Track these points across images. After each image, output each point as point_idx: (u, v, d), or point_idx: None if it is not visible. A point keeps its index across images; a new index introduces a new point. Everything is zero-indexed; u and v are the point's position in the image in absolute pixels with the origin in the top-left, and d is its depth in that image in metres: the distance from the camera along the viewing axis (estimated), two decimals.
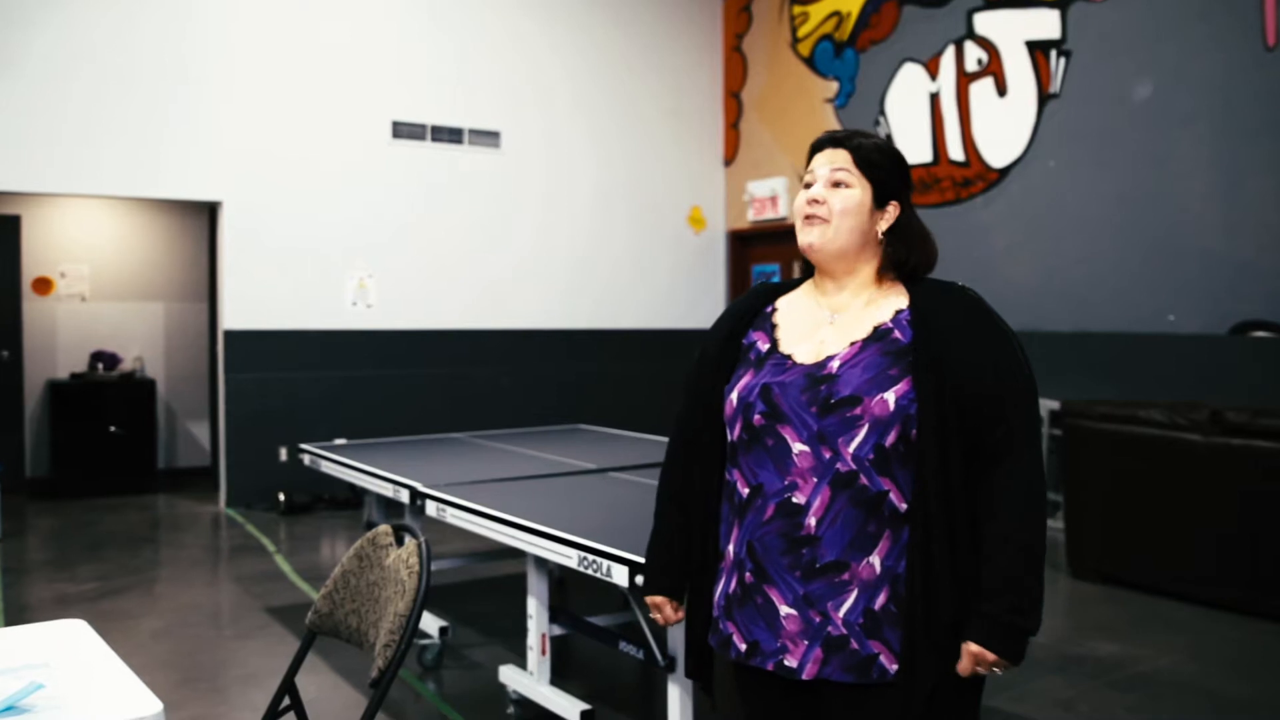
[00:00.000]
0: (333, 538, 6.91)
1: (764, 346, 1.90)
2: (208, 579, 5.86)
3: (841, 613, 1.74)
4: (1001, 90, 7.31)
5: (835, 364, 1.79)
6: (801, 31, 8.90)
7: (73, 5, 7.19)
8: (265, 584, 5.65)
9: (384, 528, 2.32)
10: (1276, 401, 5.52)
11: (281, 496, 7.60)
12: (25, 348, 8.58)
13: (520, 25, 8.77)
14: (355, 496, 7.65)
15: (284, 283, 7.86)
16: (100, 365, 8.69)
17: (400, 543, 2.27)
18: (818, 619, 1.74)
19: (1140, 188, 6.52)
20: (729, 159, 9.73)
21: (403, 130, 8.28)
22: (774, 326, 1.92)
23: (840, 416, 1.74)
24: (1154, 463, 5.32)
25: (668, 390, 8.56)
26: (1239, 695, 4.04)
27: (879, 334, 1.81)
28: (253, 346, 7.77)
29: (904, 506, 1.75)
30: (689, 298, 9.55)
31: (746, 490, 1.82)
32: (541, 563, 3.56)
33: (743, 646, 1.81)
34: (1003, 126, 7.31)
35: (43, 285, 8.74)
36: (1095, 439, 5.59)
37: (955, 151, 7.64)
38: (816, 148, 1.92)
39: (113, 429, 8.39)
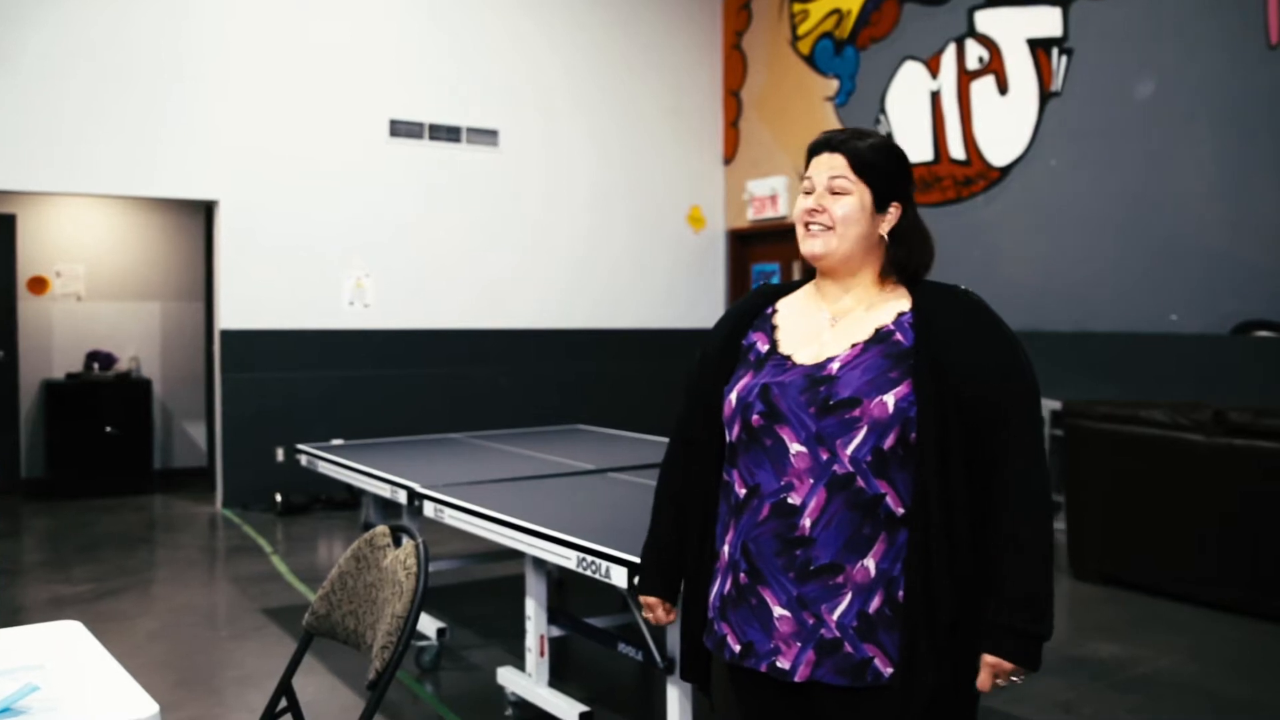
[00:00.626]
0: (330, 539, 6.89)
1: (764, 347, 1.89)
2: (204, 580, 5.84)
3: (835, 615, 1.73)
4: (1003, 88, 7.29)
5: (835, 365, 1.78)
6: (801, 29, 8.88)
7: (69, 3, 7.16)
8: (262, 585, 5.63)
9: (381, 528, 2.31)
10: (1279, 402, 5.50)
11: (278, 497, 7.58)
12: (20, 347, 8.55)
13: (519, 23, 8.75)
14: (352, 497, 7.63)
15: (281, 282, 7.84)
16: (96, 365, 8.66)
17: (398, 544, 2.27)
18: (811, 621, 1.74)
19: (1142, 186, 6.50)
20: (728, 158, 9.70)
21: (400, 129, 8.26)
22: (774, 328, 1.91)
23: (839, 418, 1.73)
24: (1155, 463, 5.31)
25: (667, 390, 8.53)
26: (1240, 696, 4.03)
27: (880, 336, 1.80)
28: (249, 346, 7.75)
29: (900, 510, 1.74)
30: (688, 297, 9.53)
31: (744, 491, 1.81)
32: (540, 564, 3.55)
33: (737, 648, 1.81)
34: (1004, 125, 7.30)
35: (38, 285, 8.72)
36: (1096, 439, 5.57)
37: (956, 150, 7.62)
38: (813, 151, 1.91)
39: (108, 429, 8.36)
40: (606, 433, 5.96)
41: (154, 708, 1.70)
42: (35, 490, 8.34)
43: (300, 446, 5.39)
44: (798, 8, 8.91)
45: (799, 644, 1.74)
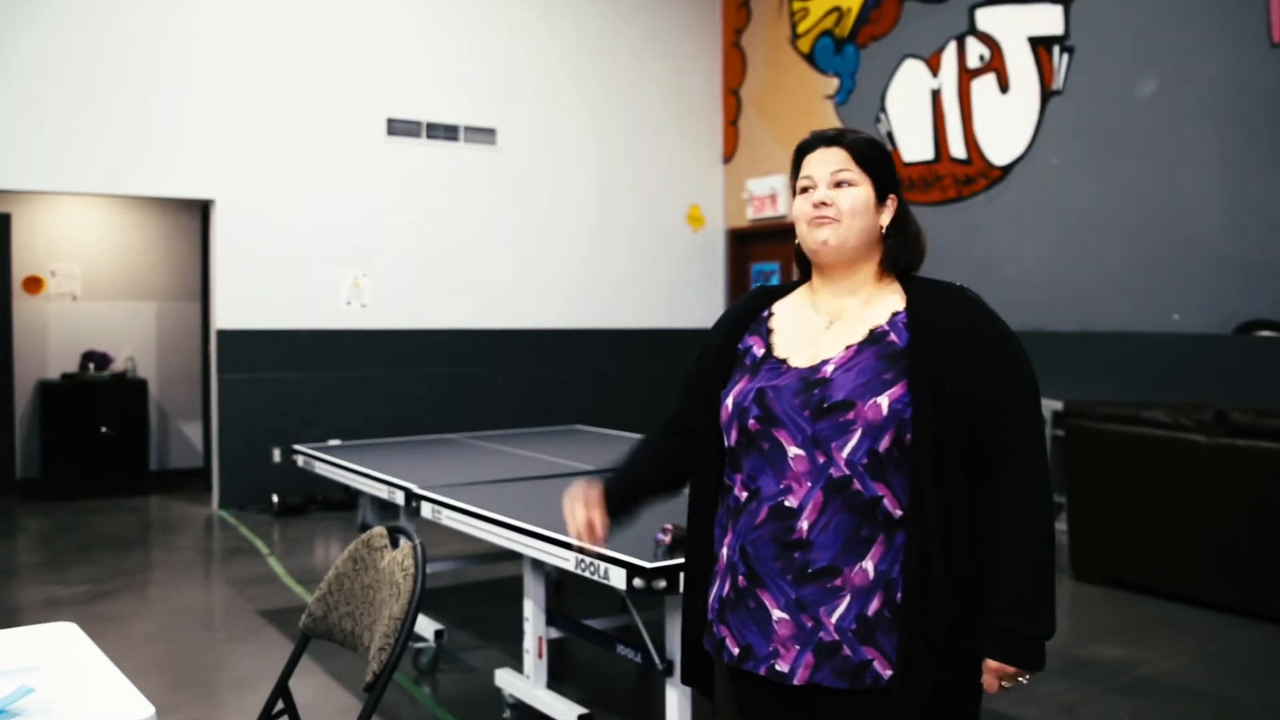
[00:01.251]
0: (327, 540, 6.88)
1: (759, 351, 1.88)
2: (200, 581, 5.83)
3: (834, 618, 1.72)
4: (1004, 87, 7.27)
5: (829, 368, 1.77)
6: (801, 27, 8.85)
7: (63, 0, 7.12)
8: (258, 586, 5.62)
9: (378, 530, 2.30)
10: None
11: (275, 498, 7.56)
12: (15, 347, 8.53)
13: (517, 21, 8.73)
14: (349, 498, 7.60)
15: (277, 282, 7.81)
16: (91, 365, 8.65)
17: (395, 545, 2.26)
18: (810, 624, 1.73)
19: (1144, 185, 6.48)
20: (728, 156, 9.68)
21: (398, 127, 8.23)
22: (769, 331, 1.91)
23: (833, 421, 1.73)
24: (1158, 464, 5.29)
25: (666, 390, 8.51)
26: (1244, 699, 4.01)
27: (875, 337, 1.79)
28: (246, 346, 7.72)
29: (898, 512, 1.73)
30: (687, 297, 9.51)
31: (744, 494, 1.81)
32: (538, 565, 3.54)
33: (735, 650, 1.81)
34: (1005, 123, 7.28)
35: (33, 284, 8.69)
36: (1098, 440, 5.56)
37: (957, 149, 7.60)
38: (806, 149, 1.89)
39: (104, 430, 8.34)
40: (605, 433, 5.95)
41: (150, 710, 1.70)
42: (30, 491, 8.32)
43: (297, 447, 5.39)
44: (797, 5, 8.88)
45: (798, 647, 1.74)
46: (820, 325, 1.85)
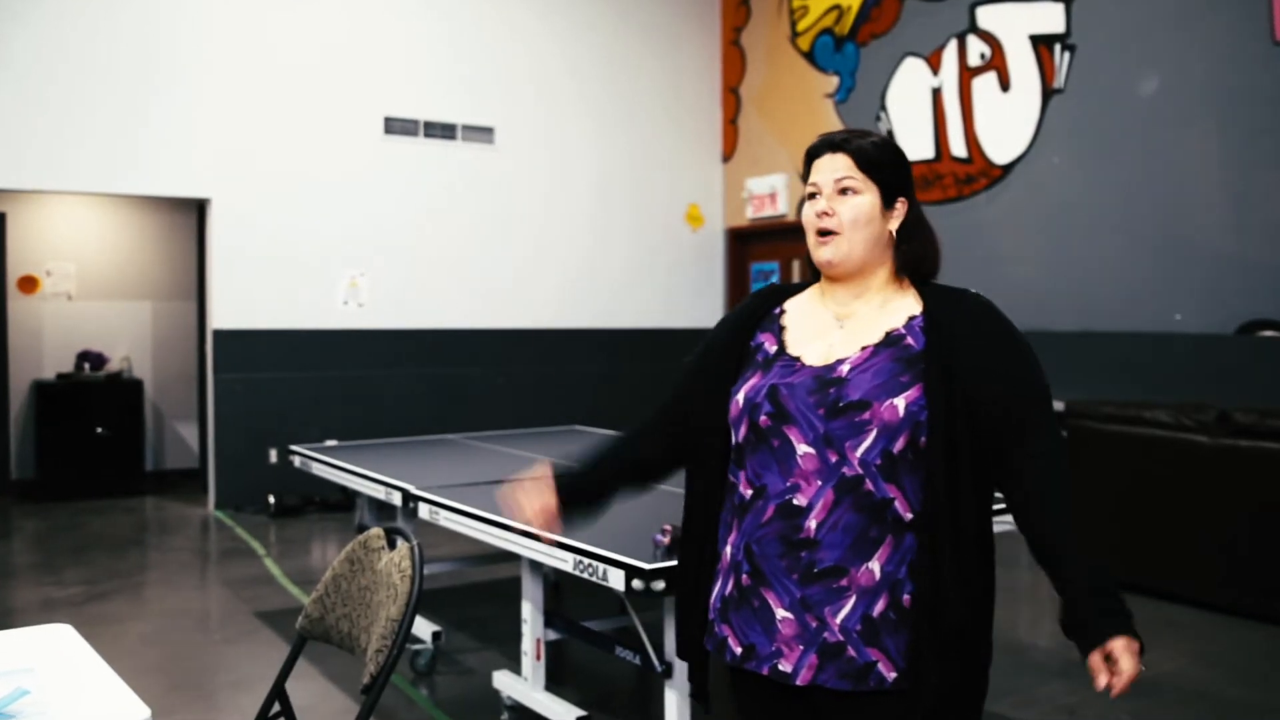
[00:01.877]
0: (323, 541, 6.87)
1: (772, 348, 1.87)
2: (196, 583, 5.82)
3: (839, 619, 1.71)
4: (1005, 85, 7.25)
5: (845, 368, 1.77)
6: (801, 25, 8.83)
7: None
8: (255, 588, 5.61)
9: (376, 531, 2.30)
10: None
11: (271, 499, 7.53)
12: (10, 347, 8.51)
13: (515, 19, 8.70)
14: (346, 499, 7.58)
15: (274, 281, 7.79)
16: (87, 365, 8.62)
17: (392, 546, 2.25)
18: (814, 624, 1.72)
19: (1146, 184, 6.46)
20: (727, 155, 9.66)
21: (395, 126, 8.20)
22: (782, 329, 1.90)
23: (848, 420, 1.72)
24: (1159, 464, 5.28)
25: (665, 390, 8.47)
26: (1246, 701, 4.00)
27: (891, 340, 1.79)
28: (242, 346, 7.69)
29: (909, 515, 1.72)
30: (686, 296, 9.48)
31: (750, 492, 1.79)
32: (536, 566, 3.53)
33: (738, 650, 1.79)
34: (1006, 122, 7.25)
35: (28, 284, 8.67)
36: (1100, 440, 5.54)
37: (958, 148, 7.58)
38: (813, 154, 1.89)
39: (99, 430, 8.31)
40: (603, 434, 5.90)
41: (145, 712, 1.69)
42: (25, 492, 8.30)
43: (293, 448, 5.37)
44: (797, 3, 8.86)
45: (801, 647, 1.72)
46: (833, 325, 1.85)
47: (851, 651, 1.70)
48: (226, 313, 7.66)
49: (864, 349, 1.79)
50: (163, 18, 7.42)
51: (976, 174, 7.46)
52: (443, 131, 8.39)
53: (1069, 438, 5.75)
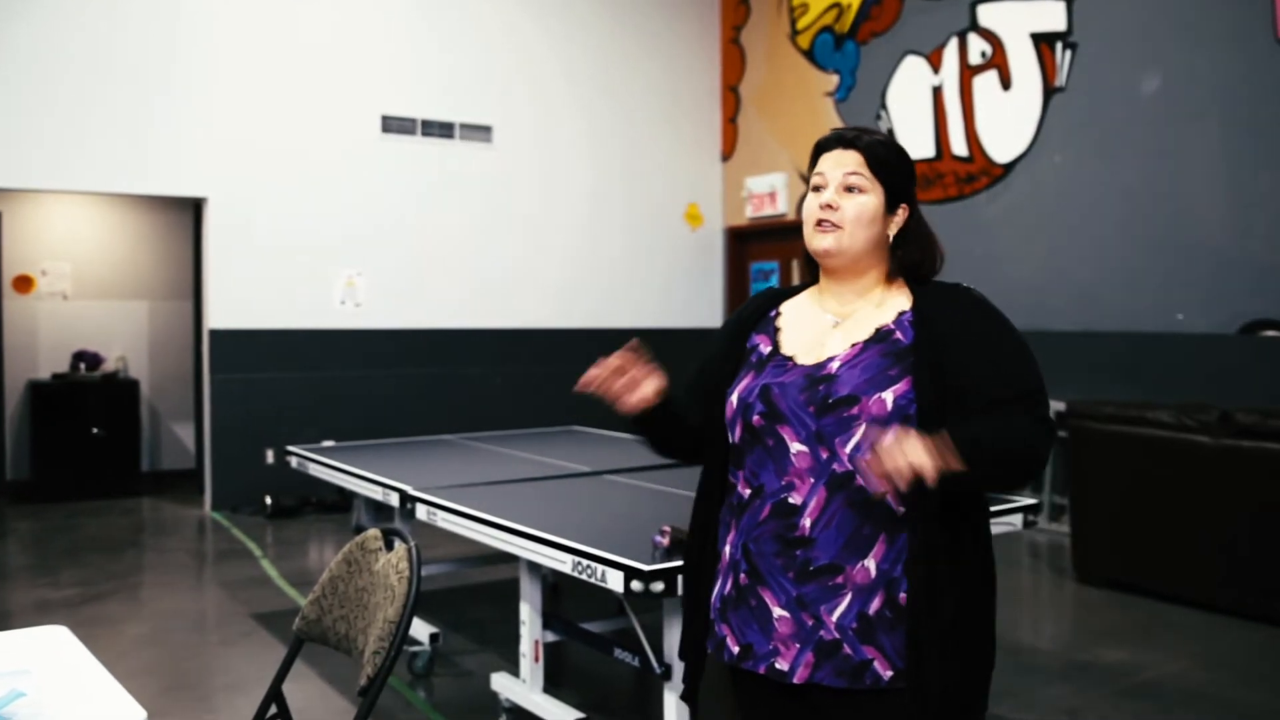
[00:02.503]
0: (320, 542, 6.85)
1: (766, 349, 1.90)
2: (193, 584, 5.80)
3: (835, 616, 1.73)
4: (1006, 83, 7.23)
5: (835, 365, 1.79)
6: (801, 23, 8.81)
7: None
8: (251, 589, 5.59)
9: (373, 532, 2.30)
10: None
11: (268, 500, 7.51)
12: (5, 347, 8.48)
13: (513, 16, 8.68)
14: (343, 500, 7.54)
15: (271, 281, 7.76)
16: (82, 365, 8.59)
17: (390, 547, 2.25)
18: (810, 622, 1.73)
19: (1148, 183, 6.45)
20: (726, 154, 9.63)
21: (392, 125, 8.18)
22: (777, 330, 1.93)
23: (837, 416, 1.74)
24: (1162, 465, 5.26)
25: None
26: (1249, 703, 3.98)
27: (880, 335, 1.81)
28: (239, 346, 7.67)
29: (901, 509, 1.73)
30: (685, 296, 9.46)
31: (748, 491, 1.82)
32: (535, 568, 3.50)
33: (736, 649, 1.81)
34: (1007, 121, 7.24)
35: (23, 283, 8.64)
36: (1102, 441, 5.52)
37: (958, 146, 7.56)
38: (824, 147, 1.89)
39: (95, 430, 8.28)
40: (602, 434, 5.93)
41: (142, 714, 1.69)
42: (20, 492, 8.26)
43: (290, 448, 5.35)
44: (797, 1, 8.85)
45: (798, 645, 1.74)
46: (828, 325, 1.87)
47: (847, 649, 1.71)
48: (223, 312, 7.63)
49: (854, 345, 1.80)
50: (160, 18, 7.39)
51: (977, 173, 7.44)
52: (440, 130, 8.36)
53: (1070, 438, 5.74)
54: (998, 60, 7.27)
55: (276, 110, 7.76)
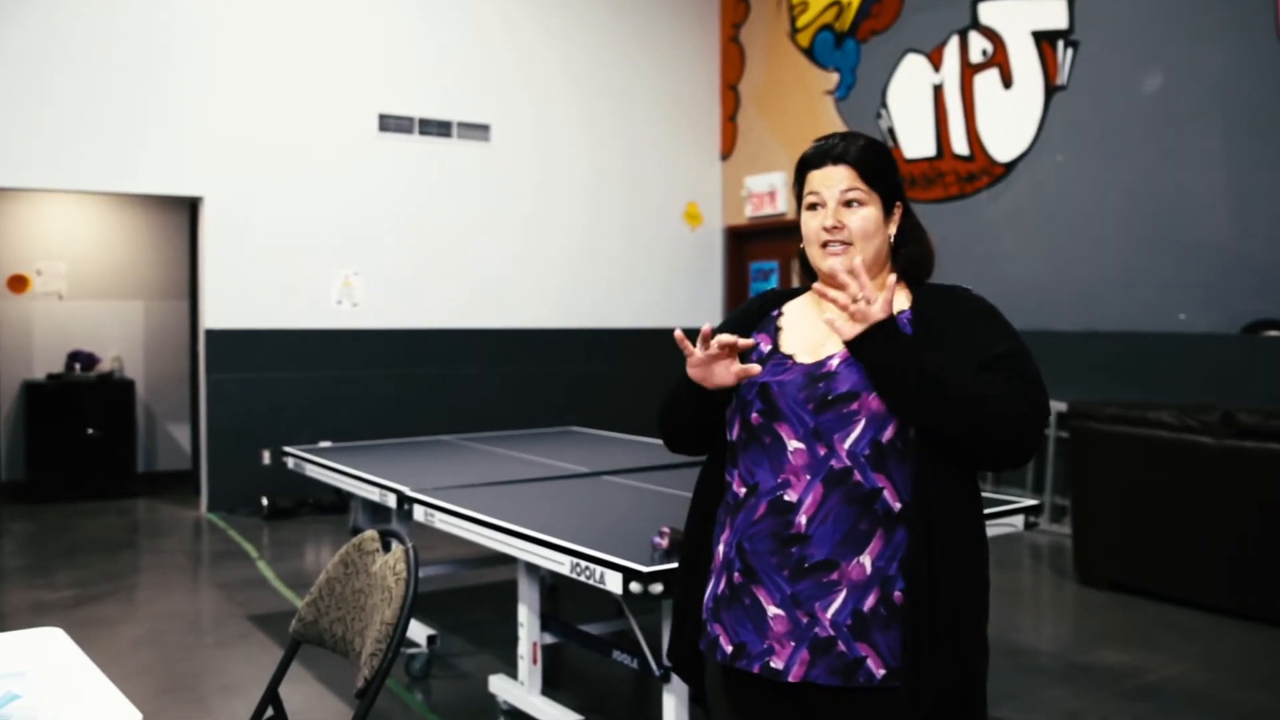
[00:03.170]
0: (317, 543, 6.83)
1: (766, 348, 1.91)
2: (189, 585, 5.79)
3: (829, 613, 1.73)
4: (1007, 82, 7.21)
5: (834, 362, 1.80)
6: (800, 21, 8.79)
7: None
8: (248, 591, 5.57)
9: (370, 533, 2.30)
10: None
11: (265, 501, 7.49)
12: (0, 347, 8.44)
13: (512, 15, 8.67)
14: (340, 501, 7.52)
15: (267, 281, 7.74)
16: (77, 365, 8.58)
17: (387, 548, 2.25)
18: (805, 619, 1.74)
19: (1150, 182, 6.43)
20: (726, 153, 9.61)
21: (390, 123, 8.15)
22: (778, 330, 1.94)
23: (837, 413, 1.75)
24: (1164, 465, 5.25)
25: (662, 391, 8.43)
26: (1252, 705, 3.97)
27: None
28: (235, 346, 7.64)
29: (898, 505, 1.74)
30: (684, 296, 9.44)
31: (743, 490, 1.82)
32: (533, 569, 3.49)
33: (729, 649, 1.81)
34: (1008, 119, 7.22)
35: (18, 283, 8.63)
36: (1103, 441, 5.51)
37: (959, 145, 7.54)
38: (810, 164, 1.88)
39: (90, 431, 8.25)
40: (600, 435, 5.93)
41: (137, 716, 1.69)
42: (15, 493, 8.24)
43: (287, 449, 5.34)
44: None
45: (793, 643, 1.74)
46: (828, 325, 1.85)
47: (841, 646, 1.71)
48: (219, 312, 7.60)
49: None
50: (157, 17, 7.36)
51: (978, 172, 7.42)
52: (438, 129, 8.34)
53: (1072, 439, 5.72)
54: (999, 58, 7.25)
55: (273, 109, 7.73)
